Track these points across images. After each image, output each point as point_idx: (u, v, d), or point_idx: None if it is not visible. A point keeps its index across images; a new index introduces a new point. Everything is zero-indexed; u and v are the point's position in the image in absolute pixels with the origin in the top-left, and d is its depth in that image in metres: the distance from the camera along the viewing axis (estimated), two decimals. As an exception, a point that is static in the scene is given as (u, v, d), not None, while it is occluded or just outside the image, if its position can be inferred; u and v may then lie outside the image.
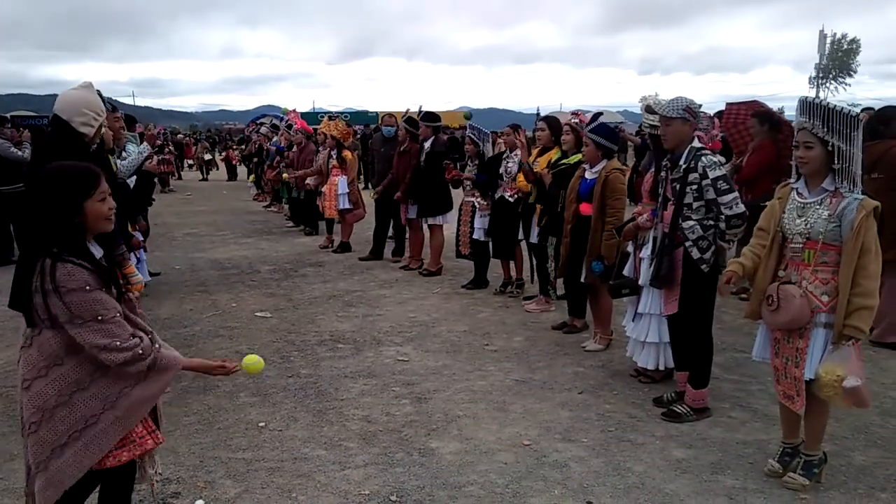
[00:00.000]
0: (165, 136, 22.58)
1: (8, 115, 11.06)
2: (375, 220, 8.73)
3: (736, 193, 3.77)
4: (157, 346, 2.30)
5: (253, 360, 2.54)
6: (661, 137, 4.05)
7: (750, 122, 6.61)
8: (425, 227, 7.97)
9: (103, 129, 3.90)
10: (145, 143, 5.77)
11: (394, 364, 4.88)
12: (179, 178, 23.30)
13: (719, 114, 6.98)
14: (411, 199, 7.84)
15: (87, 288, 2.13)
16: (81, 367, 2.19)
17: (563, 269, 5.32)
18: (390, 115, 9.62)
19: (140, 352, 2.19)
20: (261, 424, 3.87)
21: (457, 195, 7.53)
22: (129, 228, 4.98)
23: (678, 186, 3.84)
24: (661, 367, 4.40)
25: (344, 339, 5.47)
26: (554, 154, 5.94)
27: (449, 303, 6.58)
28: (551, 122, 6.13)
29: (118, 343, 2.15)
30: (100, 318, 2.13)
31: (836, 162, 2.93)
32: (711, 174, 3.72)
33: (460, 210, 7.16)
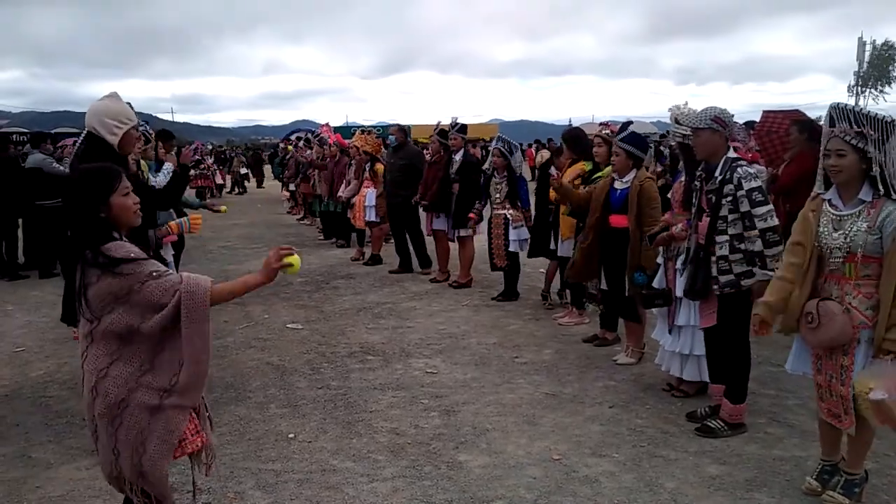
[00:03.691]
0: (202, 151, 23.03)
1: (52, 132, 11.44)
2: (393, 235, 8.81)
3: (771, 206, 3.68)
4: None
5: (297, 261, 2.40)
6: (693, 149, 4.00)
7: (784, 131, 6.47)
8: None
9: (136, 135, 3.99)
10: (169, 164, 5.85)
11: (423, 376, 4.88)
12: (233, 190, 23.82)
13: (749, 123, 6.85)
14: (439, 211, 7.90)
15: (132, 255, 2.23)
16: (150, 335, 2.25)
17: (572, 272, 5.29)
18: (399, 127, 9.97)
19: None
20: (290, 436, 3.90)
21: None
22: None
23: (713, 198, 3.77)
24: (707, 380, 4.30)
25: (373, 351, 5.49)
26: (584, 167, 5.91)
27: (479, 315, 6.57)
28: (566, 136, 6.18)
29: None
30: (155, 273, 2.22)
31: (873, 169, 2.84)
32: (746, 185, 3.64)
33: (490, 223, 7.13)
